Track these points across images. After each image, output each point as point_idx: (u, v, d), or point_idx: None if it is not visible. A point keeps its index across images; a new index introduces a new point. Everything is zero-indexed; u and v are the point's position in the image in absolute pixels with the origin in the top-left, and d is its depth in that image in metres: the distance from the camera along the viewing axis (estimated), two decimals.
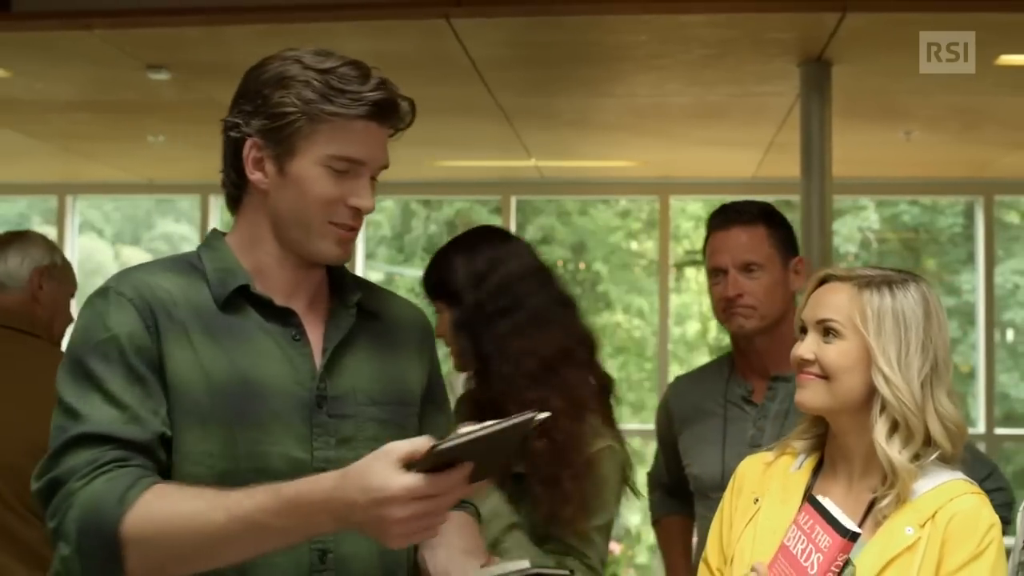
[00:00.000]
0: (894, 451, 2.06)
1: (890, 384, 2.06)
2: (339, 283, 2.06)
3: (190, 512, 1.76)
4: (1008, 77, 5.82)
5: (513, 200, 9.55)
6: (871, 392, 2.09)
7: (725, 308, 3.12)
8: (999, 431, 9.25)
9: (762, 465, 2.26)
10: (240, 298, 1.96)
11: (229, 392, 1.89)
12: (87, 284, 10.96)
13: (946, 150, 8.07)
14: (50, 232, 10.80)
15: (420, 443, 1.68)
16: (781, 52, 5.70)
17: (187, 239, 14.92)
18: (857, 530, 1.97)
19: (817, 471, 2.20)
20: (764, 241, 3.11)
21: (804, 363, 2.13)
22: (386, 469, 1.67)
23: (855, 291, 2.12)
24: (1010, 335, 13.39)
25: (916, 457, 2.07)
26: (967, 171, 8.75)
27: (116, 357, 1.87)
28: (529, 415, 1.70)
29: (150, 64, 5.92)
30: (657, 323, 10.57)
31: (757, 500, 2.20)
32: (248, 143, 1.95)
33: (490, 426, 1.67)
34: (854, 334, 2.10)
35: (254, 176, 1.95)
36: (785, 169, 7.17)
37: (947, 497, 2.05)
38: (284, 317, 1.97)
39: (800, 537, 2.02)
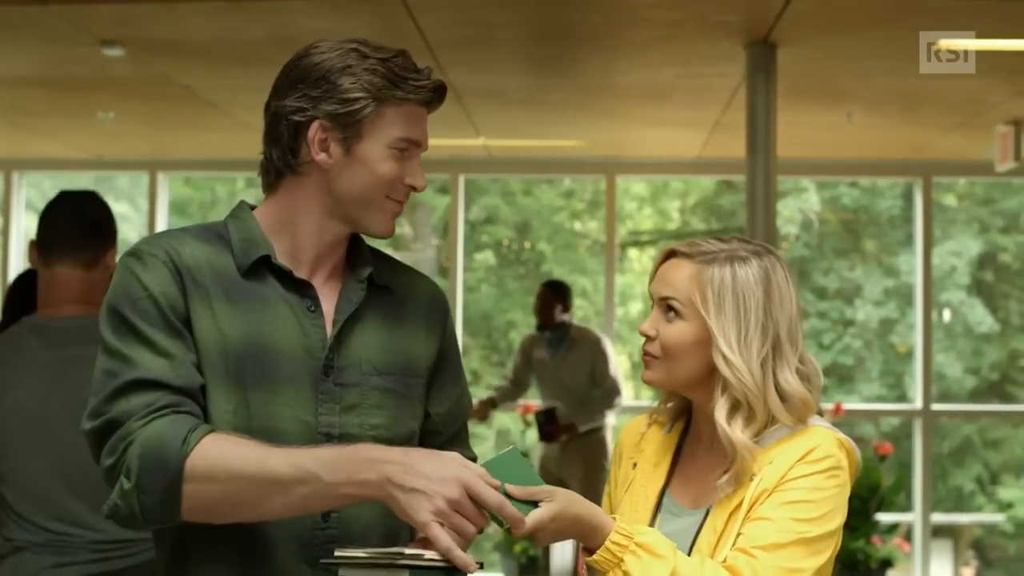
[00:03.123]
0: (736, 431, 2.06)
1: (731, 366, 2.07)
2: (356, 257, 2.17)
3: (250, 456, 1.88)
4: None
5: (461, 179, 9.61)
6: (710, 371, 2.10)
7: None
8: (936, 407, 9.44)
9: (637, 435, 2.30)
10: (261, 268, 2.08)
11: (244, 355, 2.02)
12: (28, 264, 10.86)
13: (886, 132, 8.21)
14: None
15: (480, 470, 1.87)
16: (727, 34, 5.80)
17: (127, 218, 14.80)
18: None
19: (687, 432, 2.25)
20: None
21: (646, 339, 2.15)
22: (456, 460, 1.85)
23: (697, 269, 2.11)
24: (947, 315, 13.62)
25: (758, 434, 2.09)
26: (907, 152, 8.91)
27: (155, 313, 1.99)
28: (473, 566, 1.86)
29: (104, 40, 5.92)
30: (601, 303, 10.62)
31: (635, 465, 2.25)
32: (314, 125, 2.05)
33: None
34: (694, 315, 2.10)
35: (319, 157, 2.05)
36: (730, 150, 7.29)
37: (794, 440, 2.08)
38: (301, 289, 2.09)
39: None
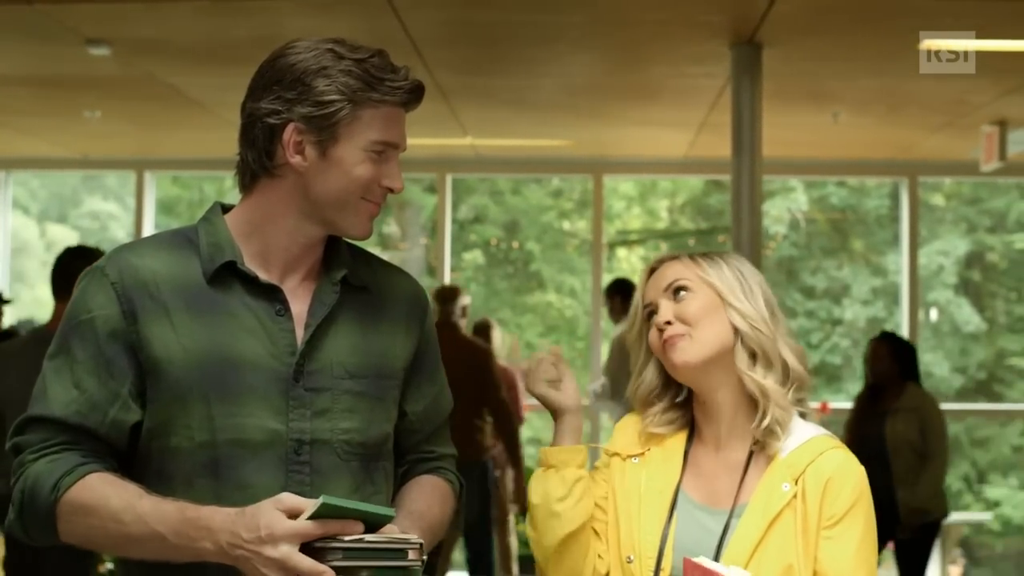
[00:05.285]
0: (759, 376, 2.18)
1: (745, 316, 2.20)
2: (332, 258, 2.15)
3: (107, 508, 1.95)
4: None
5: (449, 178, 9.60)
6: (733, 336, 2.22)
7: None
8: None
9: (635, 431, 2.31)
10: (227, 273, 2.06)
11: (206, 367, 2.01)
12: (14, 263, 10.86)
13: (872, 132, 8.23)
14: None
15: (309, 503, 1.86)
16: (714, 34, 5.82)
17: (115, 217, 14.77)
18: None
19: (690, 439, 2.27)
20: None
21: (667, 326, 2.22)
22: (272, 513, 1.84)
23: (688, 261, 2.27)
24: (934, 315, 13.66)
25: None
26: (892, 152, 8.93)
27: (91, 339, 2.04)
28: (414, 543, 1.87)
29: (90, 39, 5.92)
30: (589, 302, 10.63)
31: (636, 459, 2.26)
32: (289, 128, 2.03)
33: (375, 540, 1.86)
34: (703, 287, 2.23)
35: (294, 159, 2.04)
36: (716, 150, 7.30)
37: (816, 452, 2.16)
38: (269, 293, 2.07)
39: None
